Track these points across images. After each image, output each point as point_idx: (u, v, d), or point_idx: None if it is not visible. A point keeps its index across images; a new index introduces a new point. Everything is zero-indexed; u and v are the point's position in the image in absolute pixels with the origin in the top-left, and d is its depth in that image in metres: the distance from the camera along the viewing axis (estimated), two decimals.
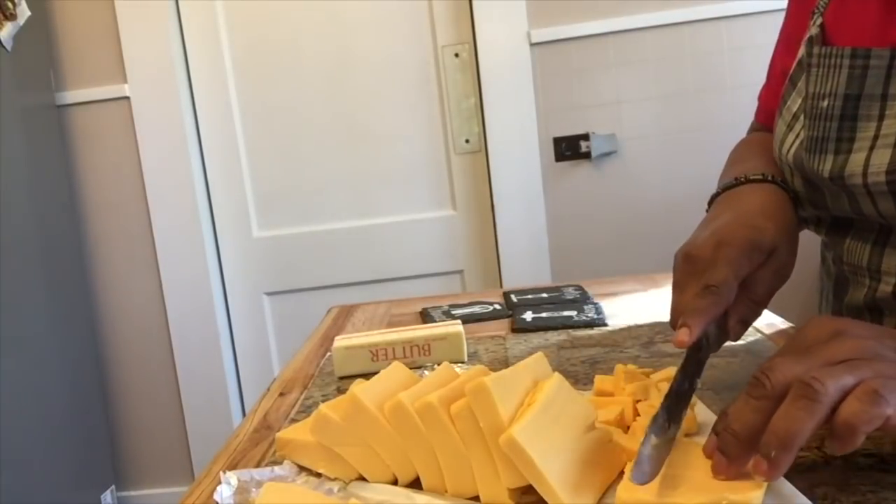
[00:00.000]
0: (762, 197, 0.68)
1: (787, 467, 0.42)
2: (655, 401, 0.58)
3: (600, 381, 0.63)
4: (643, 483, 0.43)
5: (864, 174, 0.64)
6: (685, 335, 0.54)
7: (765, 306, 0.62)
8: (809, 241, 0.80)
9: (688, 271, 0.60)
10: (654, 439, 0.45)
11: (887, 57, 0.63)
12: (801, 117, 0.71)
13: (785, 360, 0.45)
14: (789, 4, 0.85)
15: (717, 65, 2.01)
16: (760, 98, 0.93)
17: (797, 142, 0.71)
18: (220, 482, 0.53)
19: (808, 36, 0.72)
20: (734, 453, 0.43)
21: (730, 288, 0.57)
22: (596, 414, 0.53)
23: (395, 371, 0.58)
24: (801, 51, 0.73)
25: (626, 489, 0.45)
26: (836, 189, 0.68)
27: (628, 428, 0.55)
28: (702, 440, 0.47)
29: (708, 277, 0.57)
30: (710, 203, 0.73)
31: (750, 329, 0.82)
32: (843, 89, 0.66)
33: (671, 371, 0.63)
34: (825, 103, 0.67)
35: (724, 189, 0.72)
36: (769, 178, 0.71)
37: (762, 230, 0.61)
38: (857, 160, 0.65)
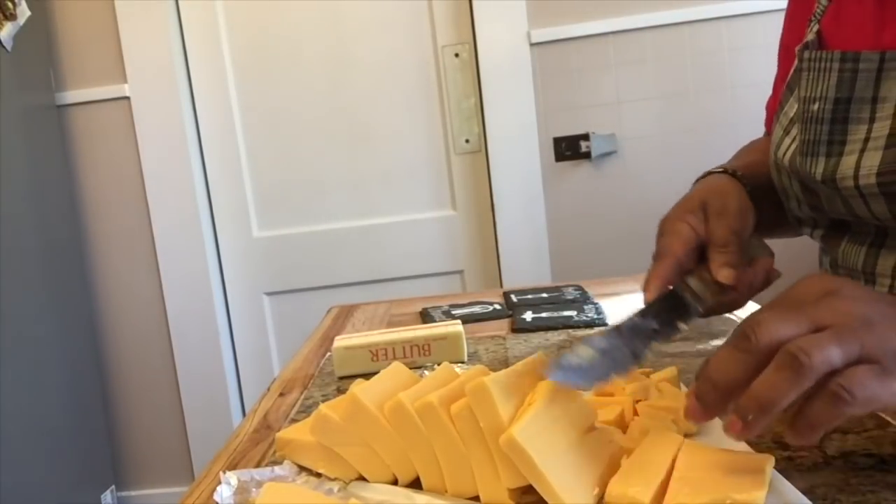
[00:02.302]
0: (714, 181, 0.73)
1: (760, 430, 0.42)
2: (655, 401, 0.58)
3: None
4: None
5: (856, 176, 0.64)
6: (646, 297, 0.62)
7: (741, 237, 0.65)
8: (810, 243, 0.80)
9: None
10: (588, 351, 0.49)
11: (877, 60, 0.64)
12: (798, 122, 0.72)
13: (773, 317, 0.44)
14: (787, 13, 0.85)
15: (717, 65, 2.01)
16: (767, 108, 0.93)
17: (793, 145, 0.72)
18: (220, 482, 0.53)
19: (803, 42, 0.73)
20: (710, 401, 0.44)
21: (673, 235, 0.66)
22: (596, 414, 0.53)
23: (395, 371, 0.58)
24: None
25: (618, 483, 0.45)
26: (829, 192, 0.68)
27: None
28: (702, 441, 0.47)
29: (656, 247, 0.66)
30: None
31: None
32: (834, 93, 0.66)
33: (671, 371, 0.63)
34: (816, 106, 0.68)
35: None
36: (729, 171, 0.75)
37: (703, 193, 0.69)
38: (848, 162, 0.65)
